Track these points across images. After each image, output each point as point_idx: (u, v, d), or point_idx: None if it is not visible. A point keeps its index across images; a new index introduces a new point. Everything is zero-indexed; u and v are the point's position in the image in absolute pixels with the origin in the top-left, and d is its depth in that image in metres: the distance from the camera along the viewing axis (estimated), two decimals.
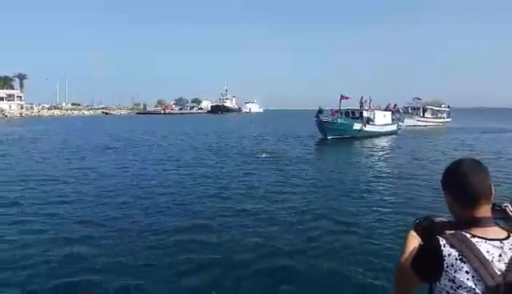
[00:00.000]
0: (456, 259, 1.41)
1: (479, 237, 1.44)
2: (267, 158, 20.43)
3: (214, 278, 6.10)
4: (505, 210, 1.77)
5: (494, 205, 1.62)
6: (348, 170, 17.45)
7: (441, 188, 1.62)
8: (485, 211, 1.50)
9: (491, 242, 1.44)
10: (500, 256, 1.42)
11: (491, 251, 1.42)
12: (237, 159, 20.13)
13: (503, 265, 1.40)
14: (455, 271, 1.40)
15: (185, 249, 7.32)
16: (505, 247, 1.43)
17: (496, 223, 1.52)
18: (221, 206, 10.58)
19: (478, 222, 1.48)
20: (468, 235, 1.45)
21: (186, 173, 15.93)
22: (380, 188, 13.29)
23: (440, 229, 1.56)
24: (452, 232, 1.48)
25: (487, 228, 1.48)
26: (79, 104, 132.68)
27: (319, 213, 9.76)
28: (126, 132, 41.65)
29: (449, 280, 1.42)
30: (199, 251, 7.26)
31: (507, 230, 1.51)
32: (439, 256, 1.43)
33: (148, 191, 12.51)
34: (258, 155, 21.21)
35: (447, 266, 1.42)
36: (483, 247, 1.42)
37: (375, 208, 10.29)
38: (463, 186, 1.49)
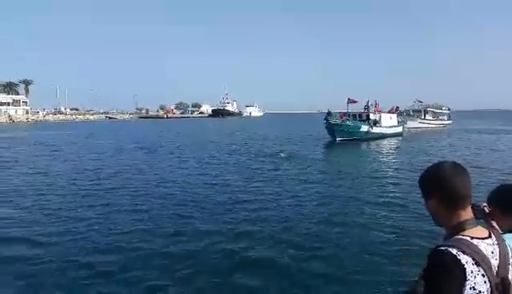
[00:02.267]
0: (473, 264, 1.38)
1: (475, 238, 1.44)
2: (285, 157, 22.02)
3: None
4: (483, 210, 1.85)
5: (473, 205, 1.63)
6: (359, 167, 19.01)
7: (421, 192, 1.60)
8: (470, 212, 1.51)
9: (485, 240, 1.45)
10: (493, 253, 1.43)
11: (488, 250, 1.43)
12: (259, 159, 21.79)
13: (496, 262, 1.43)
14: (475, 277, 1.37)
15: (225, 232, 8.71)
16: (494, 244, 1.46)
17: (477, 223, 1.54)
18: (256, 195, 12.31)
19: (466, 224, 1.48)
20: (467, 238, 1.44)
21: (222, 170, 17.73)
22: (391, 182, 14.69)
23: None
24: (453, 238, 1.45)
25: (474, 228, 1.48)
26: (78, 109, 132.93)
27: (337, 202, 11.43)
28: (149, 136, 43.18)
29: (470, 288, 1.37)
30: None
31: (486, 228, 1.54)
32: (461, 267, 1.37)
33: (192, 187, 14.07)
34: (278, 155, 22.79)
35: (468, 274, 1.37)
36: (482, 246, 1.43)
37: (384, 201, 11.52)
38: (450, 189, 1.47)
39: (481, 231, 1.49)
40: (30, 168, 18.41)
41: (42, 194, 12.52)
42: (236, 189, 13.26)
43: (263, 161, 20.77)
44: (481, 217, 1.78)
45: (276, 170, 17.61)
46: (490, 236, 1.48)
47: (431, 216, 1.56)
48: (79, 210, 10.49)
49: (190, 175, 16.23)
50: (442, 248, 1.41)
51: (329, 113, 34.31)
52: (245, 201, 11.55)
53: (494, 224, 1.79)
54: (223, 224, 9.19)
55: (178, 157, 23.11)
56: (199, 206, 10.98)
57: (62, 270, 6.58)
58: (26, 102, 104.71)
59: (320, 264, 6.86)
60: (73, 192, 12.91)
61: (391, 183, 14.46)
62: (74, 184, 14.33)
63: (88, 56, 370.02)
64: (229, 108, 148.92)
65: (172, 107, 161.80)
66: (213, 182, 14.71)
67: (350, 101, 37.38)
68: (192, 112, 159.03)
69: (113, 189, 13.40)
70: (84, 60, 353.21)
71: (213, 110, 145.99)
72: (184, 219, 9.68)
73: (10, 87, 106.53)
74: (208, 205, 11.10)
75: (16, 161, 21.35)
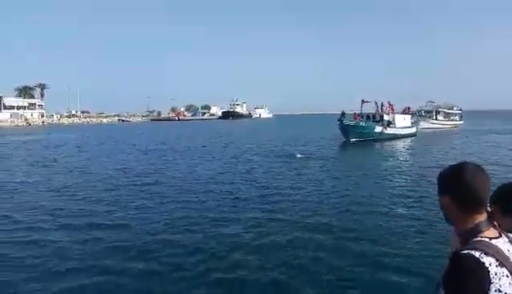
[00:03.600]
0: (497, 266, 1.36)
1: (493, 238, 1.44)
2: (303, 157, 22.99)
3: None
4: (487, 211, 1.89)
5: None
6: (377, 166, 19.92)
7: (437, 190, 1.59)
8: (485, 214, 1.51)
9: (498, 239, 1.45)
10: (509, 251, 1.44)
11: (505, 248, 1.43)
12: (279, 159, 22.80)
13: None
14: (500, 279, 1.35)
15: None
16: (507, 243, 1.47)
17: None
18: (283, 190, 13.35)
19: (482, 225, 1.47)
20: (486, 239, 1.43)
21: (247, 168, 18.79)
22: (411, 179, 15.45)
23: None
24: (473, 241, 1.44)
25: (488, 229, 1.48)
26: (88, 112, 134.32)
27: (360, 197, 12.38)
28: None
29: (495, 290, 1.34)
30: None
31: (495, 228, 1.53)
32: (485, 270, 1.34)
33: (223, 183, 15.19)
34: (296, 155, 23.76)
35: (493, 277, 1.34)
36: (500, 246, 1.43)
37: (405, 195, 12.38)
38: (470, 191, 1.45)
39: (493, 232, 1.48)
40: (71, 167, 19.69)
41: (90, 189, 13.82)
42: (263, 185, 14.37)
43: (283, 161, 21.73)
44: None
45: (297, 168, 18.54)
46: (501, 235, 1.49)
47: (442, 212, 1.58)
48: (126, 202, 11.80)
49: (219, 173, 17.34)
50: (464, 252, 1.40)
51: (343, 114, 34.96)
52: (273, 194, 12.78)
53: (495, 224, 1.82)
54: (260, 212, 10.34)
55: (202, 157, 24.29)
56: (233, 198, 12.19)
57: (127, 249, 7.77)
58: (42, 106, 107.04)
59: (352, 244, 7.88)
60: (114, 187, 14.18)
61: (412, 180, 15.30)
62: (115, 180, 15.56)
63: (88, 57, 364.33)
64: (239, 110, 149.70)
65: (183, 109, 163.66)
66: (242, 179, 15.81)
67: (364, 102, 38.11)
68: (203, 114, 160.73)
69: (150, 184, 14.74)
70: (84, 60, 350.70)
71: (223, 112, 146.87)
72: (221, 207, 10.96)
73: (25, 92, 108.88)
74: (242, 197, 12.32)
75: (55, 161, 22.75)
